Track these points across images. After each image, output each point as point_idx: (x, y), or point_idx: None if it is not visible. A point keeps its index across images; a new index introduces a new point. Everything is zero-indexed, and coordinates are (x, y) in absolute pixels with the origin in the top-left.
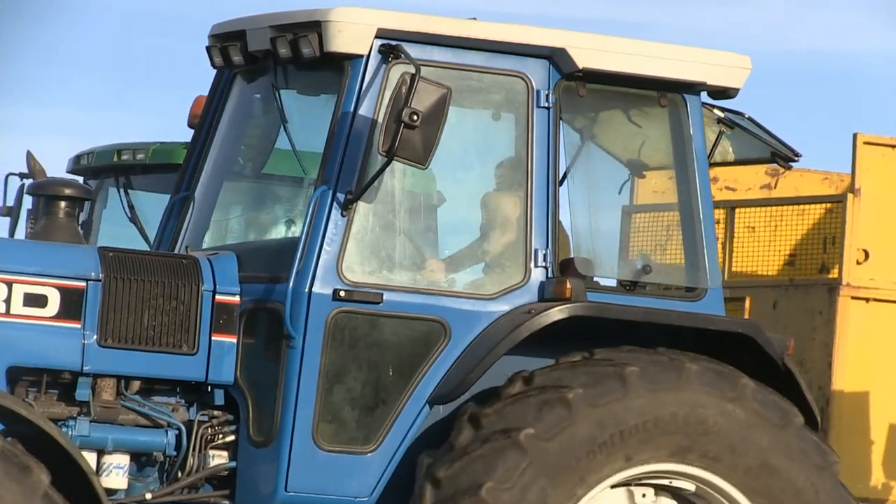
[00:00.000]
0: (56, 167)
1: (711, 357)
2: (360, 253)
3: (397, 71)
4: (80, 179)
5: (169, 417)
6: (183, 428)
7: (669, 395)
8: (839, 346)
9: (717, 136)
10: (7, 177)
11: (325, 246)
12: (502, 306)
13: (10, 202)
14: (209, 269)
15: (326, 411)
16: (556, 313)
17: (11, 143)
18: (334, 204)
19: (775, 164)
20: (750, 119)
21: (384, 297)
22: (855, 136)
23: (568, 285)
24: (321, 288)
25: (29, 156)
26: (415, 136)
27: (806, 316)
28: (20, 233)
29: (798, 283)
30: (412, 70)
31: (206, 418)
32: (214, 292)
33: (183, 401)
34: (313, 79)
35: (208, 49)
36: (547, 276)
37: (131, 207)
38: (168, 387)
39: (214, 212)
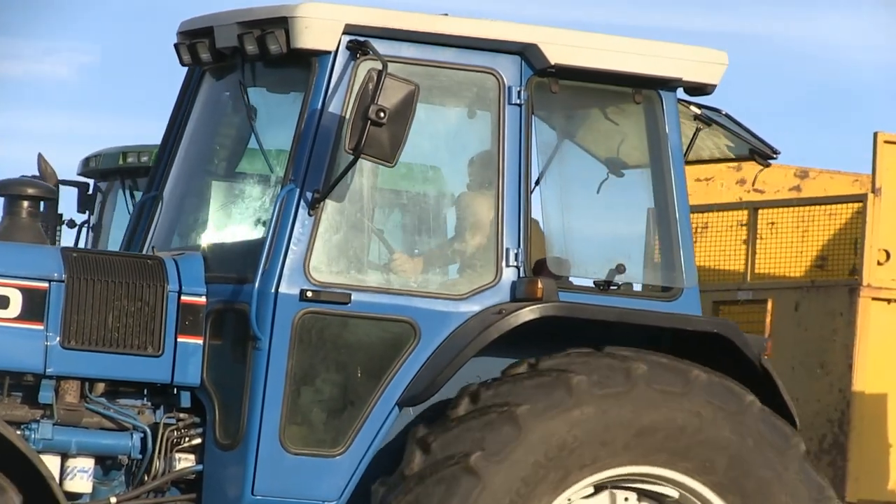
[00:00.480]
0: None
1: (692, 359)
2: (328, 253)
3: (365, 67)
4: (91, 182)
5: (134, 420)
6: (148, 431)
7: (618, 400)
8: (860, 348)
9: (694, 134)
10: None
11: (291, 246)
12: (473, 307)
13: None
14: (175, 269)
15: (294, 414)
16: (527, 314)
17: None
18: (301, 203)
19: (755, 162)
20: (727, 116)
21: (352, 297)
22: (875, 134)
23: (539, 285)
24: (288, 288)
25: (40, 158)
26: (382, 133)
27: (827, 317)
28: None
29: (819, 284)
30: (379, 66)
31: (172, 421)
32: (180, 293)
33: (150, 403)
34: (281, 76)
35: (176, 46)
36: (519, 276)
37: None
38: (133, 389)
39: (183, 211)
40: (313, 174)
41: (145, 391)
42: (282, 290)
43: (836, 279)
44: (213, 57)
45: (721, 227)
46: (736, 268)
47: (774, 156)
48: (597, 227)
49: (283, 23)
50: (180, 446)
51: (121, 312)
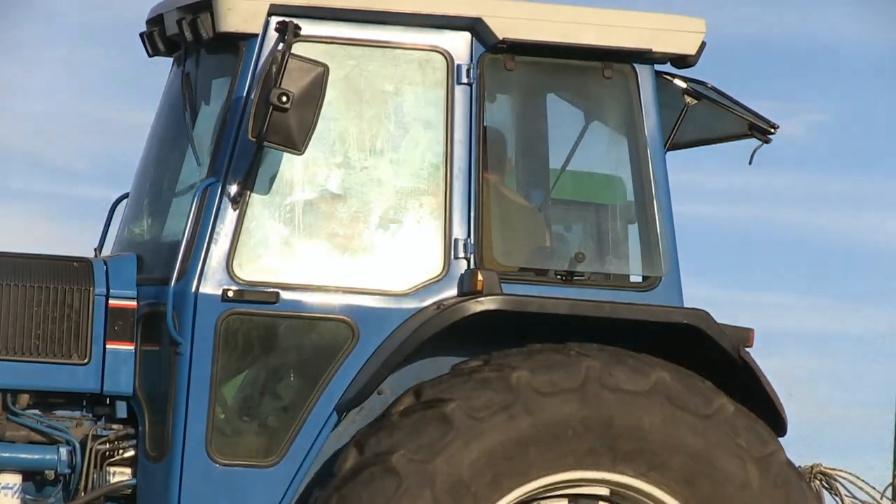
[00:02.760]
0: None
1: (674, 353)
2: (254, 249)
3: (296, 51)
4: None
5: (62, 433)
6: (77, 444)
7: (564, 399)
8: None
9: (682, 110)
10: None
11: (213, 243)
12: (417, 303)
13: None
14: (103, 271)
15: (220, 422)
16: (465, 309)
17: None
18: (224, 196)
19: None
20: (713, 88)
21: (281, 296)
22: None
23: (479, 277)
24: (209, 288)
25: None
26: (287, 119)
27: None
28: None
29: None
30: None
31: (103, 433)
32: (108, 296)
33: (85, 415)
34: (217, 62)
35: (141, 36)
36: (469, 268)
37: None
38: (65, 400)
39: (138, 211)
40: (237, 165)
41: (84, 402)
42: (202, 290)
43: None
44: (166, 46)
45: None
46: None
47: (773, 130)
48: (559, 215)
49: (208, 6)
50: (113, 459)
51: (43, 319)
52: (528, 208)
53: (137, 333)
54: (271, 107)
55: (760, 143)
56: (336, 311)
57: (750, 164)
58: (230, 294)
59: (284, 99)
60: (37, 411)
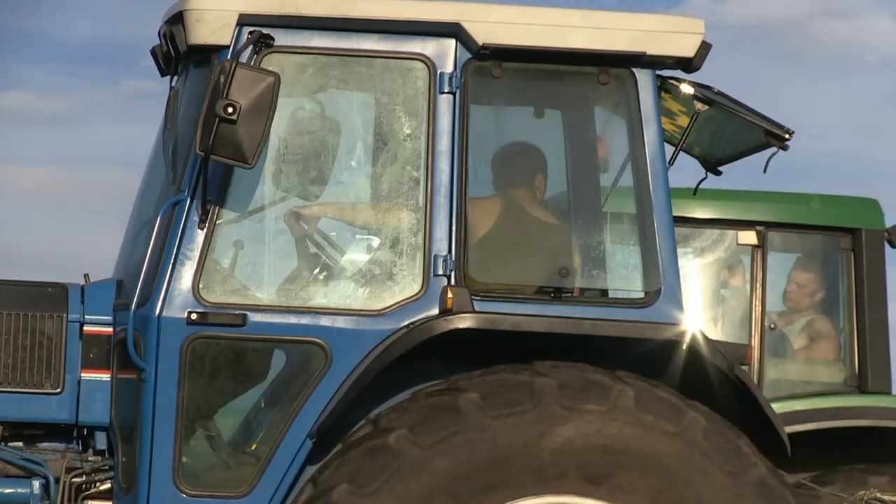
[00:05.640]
0: None
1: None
2: (222, 270)
3: (269, 62)
4: None
5: (38, 466)
6: (51, 477)
7: (516, 420)
8: None
9: (692, 118)
10: None
11: (178, 263)
12: (394, 323)
13: None
14: (79, 297)
15: (188, 451)
16: (434, 328)
17: None
18: (190, 216)
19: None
20: (720, 93)
21: (248, 318)
22: None
23: (449, 294)
24: (174, 312)
25: None
26: (236, 131)
27: None
28: None
29: None
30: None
31: (77, 465)
32: (83, 323)
33: (72, 446)
34: (196, 77)
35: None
36: (449, 286)
37: None
38: (43, 431)
39: (129, 233)
40: (204, 183)
41: (65, 433)
42: (166, 313)
43: None
44: (164, 62)
45: None
46: None
47: (788, 137)
48: (549, 230)
49: (180, 18)
50: (89, 493)
51: (14, 347)
52: (519, 223)
53: (113, 361)
54: (217, 119)
55: (776, 149)
56: (307, 333)
57: (765, 171)
58: (194, 317)
59: (231, 110)
60: (18, 443)
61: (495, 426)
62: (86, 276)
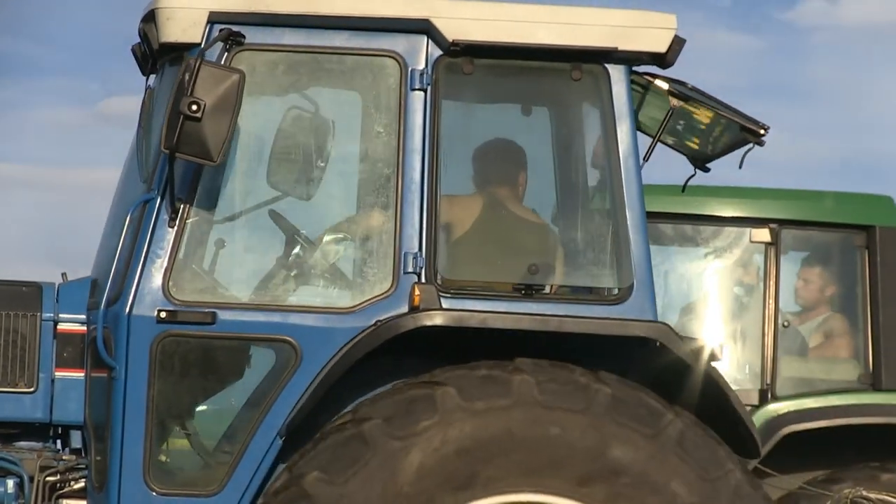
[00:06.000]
0: None
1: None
2: (191, 268)
3: (241, 60)
4: None
5: (12, 465)
6: (25, 476)
7: (493, 417)
8: None
9: (667, 114)
10: None
11: (147, 262)
12: (364, 320)
13: None
14: (53, 296)
15: (158, 450)
16: (401, 325)
17: None
18: (160, 214)
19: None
20: (694, 89)
21: (218, 316)
22: None
23: (416, 292)
24: (143, 310)
25: None
26: (200, 129)
27: None
28: None
29: None
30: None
31: (51, 464)
32: (56, 321)
33: (49, 445)
34: (171, 75)
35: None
36: (417, 283)
37: None
38: (20, 430)
39: (105, 232)
40: (173, 181)
41: (40, 432)
42: (135, 311)
43: None
44: (144, 60)
45: None
46: None
47: (763, 132)
48: (522, 226)
49: (152, 16)
50: (63, 491)
51: None
52: (499, 220)
53: (87, 360)
54: (181, 116)
55: (751, 145)
56: (277, 331)
57: (740, 167)
58: (164, 315)
59: (195, 108)
60: None
61: (470, 420)
62: (63, 274)
